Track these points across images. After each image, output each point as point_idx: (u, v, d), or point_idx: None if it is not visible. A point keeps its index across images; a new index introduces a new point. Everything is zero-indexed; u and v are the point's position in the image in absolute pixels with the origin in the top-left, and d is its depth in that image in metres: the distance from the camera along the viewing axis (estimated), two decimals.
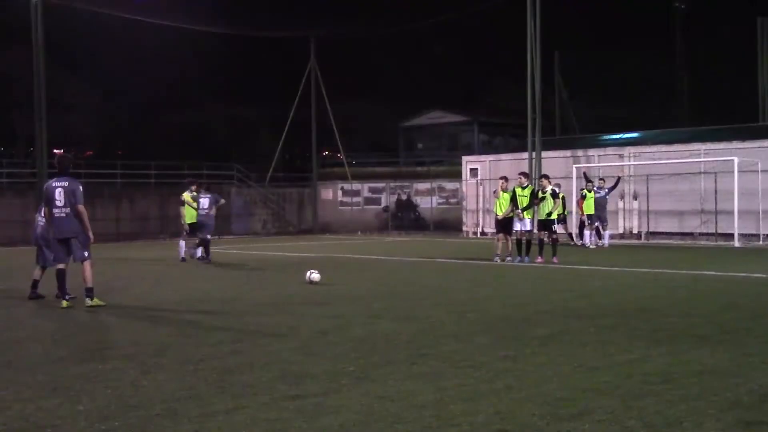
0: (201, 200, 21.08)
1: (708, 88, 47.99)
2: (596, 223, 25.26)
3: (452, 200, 40.53)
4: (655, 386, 6.35)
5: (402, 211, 41.70)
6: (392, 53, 58.55)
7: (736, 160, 25.68)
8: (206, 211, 20.98)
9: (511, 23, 39.27)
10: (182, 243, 21.49)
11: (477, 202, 34.74)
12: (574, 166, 29.52)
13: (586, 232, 25.44)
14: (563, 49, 43.10)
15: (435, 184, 41.40)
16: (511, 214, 19.01)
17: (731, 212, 25.53)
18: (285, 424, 5.48)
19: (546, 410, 5.70)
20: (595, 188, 25.52)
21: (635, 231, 29.88)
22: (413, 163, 52.85)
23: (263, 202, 41.62)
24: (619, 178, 26.81)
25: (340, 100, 44.39)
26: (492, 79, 59.55)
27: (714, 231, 27.17)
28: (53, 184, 11.88)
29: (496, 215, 19.65)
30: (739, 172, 25.50)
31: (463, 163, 36.44)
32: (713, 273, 16.02)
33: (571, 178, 28.54)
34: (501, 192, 19.39)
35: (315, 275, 14.51)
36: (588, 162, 30.80)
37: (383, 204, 41.97)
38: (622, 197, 29.81)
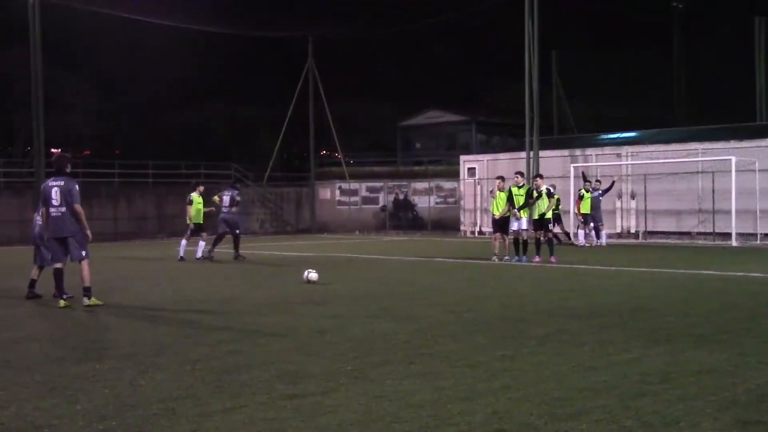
0: (224, 197, 21.46)
1: (706, 87, 47.91)
2: (594, 223, 25.35)
3: (450, 200, 40.51)
4: (652, 386, 6.36)
5: (400, 211, 41.68)
6: (391, 53, 58.61)
7: (733, 159, 25.70)
8: (228, 208, 21.31)
9: (510, 23, 39.20)
10: (183, 242, 21.52)
11: (475, 202, 34.75)
12: (572, 165, 29.53)
13: (580, 232, 25.57)
14: (561, 48, 43.10)
15: (433, 183, 41.38)
16: (507, 214, 19.06)
17: (729, 212, 25.55)
18: (283, 423, 5.48)
19: (544, 410, 5.70)
20: (591, 188, 25.64)
21: (633, 230, 29.89)
22: (411, 162, 52.86)
23: (261, 201, 41.59)
24: (613, 182, 27.02)
25: (339, 100, 44.39)
26: (490, 78, 59.60)
27: (711, 230, 27.21)
28: (50, 184, 11.90)
29: (493, 215, 19.70)
30: (736, 171, 25.52)
31: (461, 162, 36.46)
32: (711, 272, 16.04)
33: (569, 177, 28.56)
34: (498, 191, 19.42)
35: (313, 275, 14.51)
36: (585, 161, 30.81)
37: (381, 203, 41.94)
38: (620, 197, 29.83)
